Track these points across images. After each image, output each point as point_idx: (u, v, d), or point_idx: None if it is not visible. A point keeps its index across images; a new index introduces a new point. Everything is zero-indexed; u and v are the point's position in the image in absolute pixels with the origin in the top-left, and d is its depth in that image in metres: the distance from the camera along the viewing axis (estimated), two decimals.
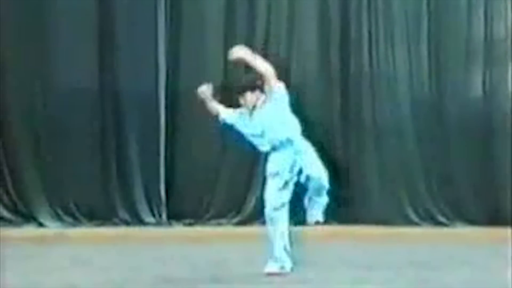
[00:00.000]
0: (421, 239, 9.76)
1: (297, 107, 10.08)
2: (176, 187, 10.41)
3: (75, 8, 10.22)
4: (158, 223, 10.31)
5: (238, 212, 10.38)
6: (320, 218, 7.31)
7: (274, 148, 7.05)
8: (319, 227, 9.92)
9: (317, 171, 7.07)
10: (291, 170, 6.96)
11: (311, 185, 7.13)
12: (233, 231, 10.08)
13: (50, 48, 10.30)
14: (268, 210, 6.97)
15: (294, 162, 6.97)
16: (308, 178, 7.05)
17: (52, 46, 10.28)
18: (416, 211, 10.42)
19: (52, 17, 10.32)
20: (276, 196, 6.94)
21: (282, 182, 6.94)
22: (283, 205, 6.96)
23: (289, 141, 7.00)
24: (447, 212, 10.35)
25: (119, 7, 10.32)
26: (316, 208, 7.31)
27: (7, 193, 10.35)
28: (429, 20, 10.48)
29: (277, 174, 6.96)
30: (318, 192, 7.21)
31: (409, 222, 10.36)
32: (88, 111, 10.30)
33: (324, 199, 7.35)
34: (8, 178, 10.34)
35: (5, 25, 10.21)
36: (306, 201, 7.32)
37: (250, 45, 10.30)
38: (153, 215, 10.34)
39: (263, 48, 10.32)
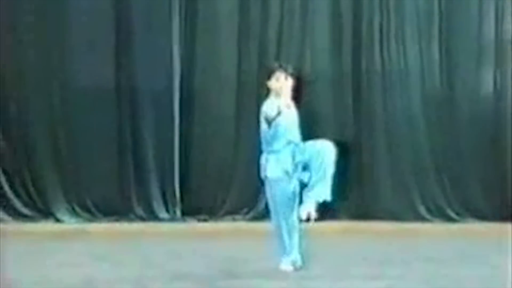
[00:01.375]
0: (432, 234, 9.84)
1: (309, 104, 10.36)
2: (191, 183, 10.52)
3: (92, 8, 10.38)
4: (173, 219, 10.43)
5: (252, 208, 10.47)
6: (313, 214, 6.92)
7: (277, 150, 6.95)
8: (335, 223, 10.17)
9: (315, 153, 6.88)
10: (294, 167, 6.89)
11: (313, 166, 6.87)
12: (247, 227, 10.15)
13: (68, 48, 10.48)
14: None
15: (294, 157, 6.89)
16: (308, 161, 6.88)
17: (70, 46, 10.46)
18: (427, 207, 10.51)
19: (70, 17, 10.48)
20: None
21: (288, 179, 6.90)
22: (292, 200, 6.92)
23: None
24: (457, 208, 10.45)
25: (135, 8, 10.47)
26: (309, 203, 6.97)
27: (26, 190, 10.53)
28: (440, 18, 10.56)
29: (282, 176, 6.90)
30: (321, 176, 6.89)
31: (420, 218, 10.45)
32: (105, 109, 10.44)
33: (320, 192, 6.94)
34: (27, 176, 10.52)
35: (24, 25, 10.39)
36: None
37: (263, 43, 10.62)
38: (168, 211, 10.47)
39: (276, 46, 10.53)
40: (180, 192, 10.41)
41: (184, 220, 10.41)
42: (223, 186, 10.43)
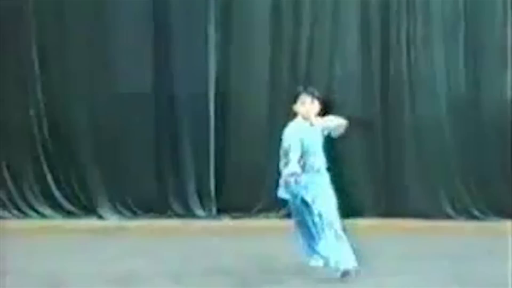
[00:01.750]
0: (458, 232, 9.91)
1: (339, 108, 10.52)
2: (225, 182, 10.71)
3: (132, 16, 10.68)
4: (208, 216, 10.63)
5: (285, 206, 10.63)
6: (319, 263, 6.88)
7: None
8: (363, 221, 10.23)
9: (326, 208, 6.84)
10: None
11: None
12: (280, 224, 10.03)
13: (109, 56, 10.76)
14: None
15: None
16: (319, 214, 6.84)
17: (111, 53, 10.74)
18: (453, 206, 10.66)
19: (111, 26, 10.77)
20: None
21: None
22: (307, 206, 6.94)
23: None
24: (482, 207, 10.57)
25: (173, 15, 10.72)
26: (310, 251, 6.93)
27: (71, 188, 10.80)
28: (466, 22, 10.67)
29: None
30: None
31: (446, 216, 10.58)
32: (144, 112, 10.68)
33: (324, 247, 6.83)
34: (72, 175, 10.80)
35: (71, 34, 10.74)
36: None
37: (295, 48, 10.80)
38: (204, 209, 10.67)
39: (307, 50, 10.73)
40: (215, 191, 10.64)
41: (219, 218, 10.61)
42: (257, 185, 10.54)
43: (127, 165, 10.67)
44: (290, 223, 10.03)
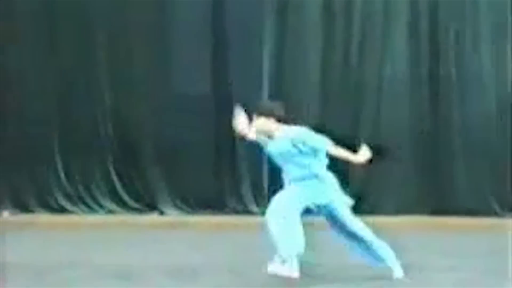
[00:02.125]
0: (506, 229, 9.82)
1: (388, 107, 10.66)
2: (278, 180, 10.90)
3: (192, 22, 11.01)
4: (263, 213, 10.73)
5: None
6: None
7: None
8: (413, 218, 10.45)
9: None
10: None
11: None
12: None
13: (171, 59, 11.09)
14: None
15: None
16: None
17: (173, 58, 11.07)
18: (500, 204, 10.79)
19: (173, 30, 11.11)
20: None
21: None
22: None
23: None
24: None
25: (230, 21, 11.02)
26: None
27: (134, 185, 11.11)
28: None
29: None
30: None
31: (494, 213, 10.72)
32: (203, 113, 10.95)
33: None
34: (135, 173, 11.11)
35: (134, 36, 11.10)
36: None
37: (347, 51, 10.99)
38: (258, 206, 10.90)
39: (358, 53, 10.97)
40: (269, 189, 10.74)
41: None
42: None
43: (186, 163, 10.92)
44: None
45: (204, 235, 9.82)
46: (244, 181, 11.08)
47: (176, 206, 11.10)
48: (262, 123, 6.76)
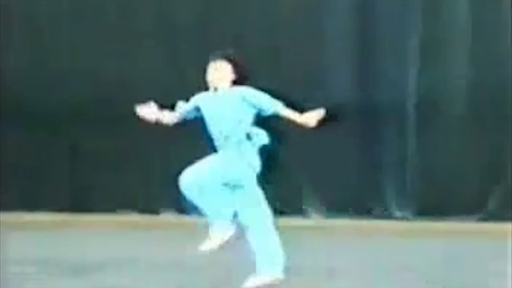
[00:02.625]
0: None
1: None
2: (422, 186, 11.06)
3: (340, 29, 11.30)
4: (405, 218, 11.03)
5: (482, 208, 10.83)
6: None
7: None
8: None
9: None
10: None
11: None
12: (476, 228, 10.50)
13: (324, 67, 11.30)
14: None
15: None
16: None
17: (324, 67, 11.30)
18: None
19: (323, 37, 11.31)
20: None
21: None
22: None
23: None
24: None
25: (378, 32, 11.24)
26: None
27: (281, 189, 10.95)
28: None
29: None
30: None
31: None
32: (350, 118, 10.99)
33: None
34: (283, 178, 11.00)
35: (283, 45, 11.40)
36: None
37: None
38: (401, 211, 11.08)
39: None
40: (412, 194, 11.05)
41: (415, 219, 10.95)
42: (452, 188, 10.86)
43: (331, 169, 11.10)
44: (485, 226, 10.44)
45: (347, 239, 10.13)
46: (387, 186, 11.24)
47: (321, 210, 11.38)
48: (220, 66, 6.08)
